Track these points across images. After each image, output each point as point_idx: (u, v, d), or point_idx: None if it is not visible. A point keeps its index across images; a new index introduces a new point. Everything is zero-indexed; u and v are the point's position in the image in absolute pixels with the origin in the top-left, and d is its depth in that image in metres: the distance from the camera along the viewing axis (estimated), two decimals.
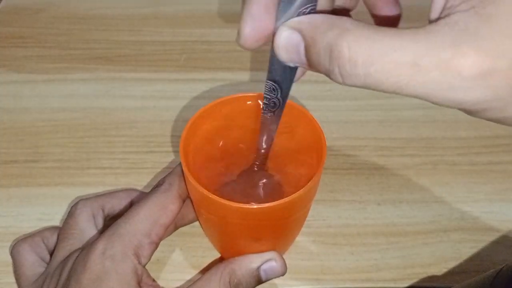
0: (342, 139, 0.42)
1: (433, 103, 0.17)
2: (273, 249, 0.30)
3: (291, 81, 0.22)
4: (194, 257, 0.35)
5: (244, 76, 0.48)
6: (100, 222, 0.32)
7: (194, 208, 0.31)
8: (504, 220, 0.37)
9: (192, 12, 0.55)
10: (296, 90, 0.46)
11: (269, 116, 0.24)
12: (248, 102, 0.31)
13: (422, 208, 0.37)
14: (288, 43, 0.19)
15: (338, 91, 0.46)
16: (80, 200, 0.32)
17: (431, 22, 0.18)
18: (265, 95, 0.23)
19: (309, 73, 0.50)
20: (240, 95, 0.31)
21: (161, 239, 0.29)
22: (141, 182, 0.39)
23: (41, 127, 0.43)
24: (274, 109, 0.24)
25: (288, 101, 0.30)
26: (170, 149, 0.41)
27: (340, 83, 0.18)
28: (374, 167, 0.40)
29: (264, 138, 0.27)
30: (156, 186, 0.30)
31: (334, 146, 0.41)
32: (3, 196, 0.38)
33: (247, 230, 0.28)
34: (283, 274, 0.30)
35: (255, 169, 0.30)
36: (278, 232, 0.30)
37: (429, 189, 0.38)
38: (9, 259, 0.34)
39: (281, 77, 0.21)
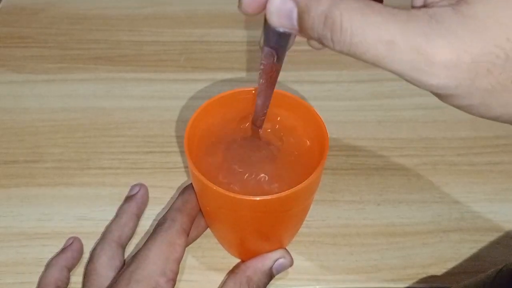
0: (342, 139, 0.42)
1: (406, 81, 0.19)
2: (279, 239, 0.31)
3: (286, 46, 0.23)
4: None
5: (244, 76, 0.48)
6: (118, 262, 0.32)
7: (199, 203, 0.31)
8: (504, 220, 0.37)
9: (192, 12, 0.55)
10: (296, 90, 0.46)
11: (266, 82, 0.26)
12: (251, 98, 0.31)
13: (422, 209, 0.37)
14: (281, 9, 0.20)
15: (338, 91, 0.46)
16: (97, 244, 0.33)
17: (413, 8, 0.20)
18: (261, 62, 0.25)
19: (309, 74, 0.50)
20: (243, 89, 0.31)
21: (177, 274, 0.29)
22: (141, 182, 0.39)
23: (41, 127, 0.43)
24: (271, 74, 0.25)
25: (288, 93, 0.31)
26: (170, 149, 0.41)
27: (331, 48, 0.20)
28: (373, 168, 0.40)
29: (262, 102, 0.28)
30: (158, 225, 0.30)
31: (334, 146, 0.41)
32: (3, 196, 0.38)
33: (254, 222, 0.29)
34: (291, 266, 0.32)
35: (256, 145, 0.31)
36: (284, 223, 0.30)
37: (429, 189, 0.38)
38: (9, 259, 0.34)
39: (276, 44, 0.23)
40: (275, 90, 0.28)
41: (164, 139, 0.42)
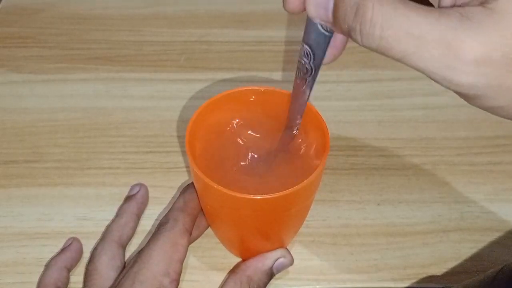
0: (342, 139, 0.42)
1: (433, 79, 0.19)
2: (280, 238, 0.31)
3: (324, 49, 0.23)
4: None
5: (244, 76, 0.48)
6: (119, 262, 0.32)
7: (200, 202, 0.32)
8: (504, 220, 0.37)
9: (192, 12, 0.55)
10: None
11: (301, 83, 0.25)
12: (252, 98, 0.31)
13: (422, 208, 0.37)
14: None
15: (338, 91, 0.46)
16: (97, 244, 0.33)
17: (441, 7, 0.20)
18: (299, 59, 0.24)
19: None
20: (243, 88, 0.31)
21: (180, 274, 0.29)
22: (141, 182, 0.39)
23: (41, 127, 0.43)
24: (306, 76, 0.25)
25: (290, 93, 0.30)
26: (170, 149, 0.41)
27: (358, 42, 0.20)
28: (373, 167, 0.40)
29: (296, 105, 0.27)
30: (160, 225, 0.30)
31: (334, 146, 0.41)
32: (3, 196, 0.38)
33: (255, 221, 0.29)
34: (291, 265, 0.32)
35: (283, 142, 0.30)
36: (285, 222, 0.30)
37: (429, 189, 0.38)
38: (9, 259, 0.34)
39: (314, 42, 0.23)
40: (276, 89, 0.28)
41: (164, 139, 0.42)
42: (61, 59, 0.50)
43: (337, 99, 0.45)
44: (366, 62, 0.48)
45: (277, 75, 0.47)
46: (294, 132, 0.29)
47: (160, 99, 0.46)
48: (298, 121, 0.28)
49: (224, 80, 0.47)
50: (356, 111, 0.44)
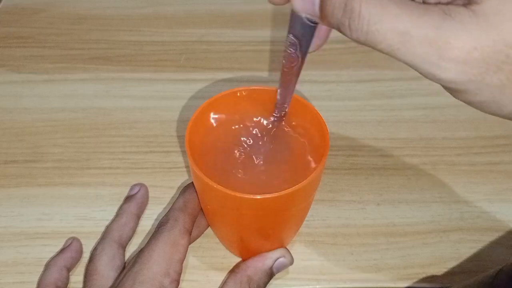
0: (342, 139, 0.42)
1: (419, 73, 0.20)
2: (280, 238, 0.31)
3: (310, 39, 0.24)
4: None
5: (244, 76, 0.48)
6: (119, 262, 0.32)
7: (200, 202, 0.32)
8: (504, 220, 0.37)
9: (192, 12, 0.55)
10: (296, 90, 0.46)
11: (288, 71, 0.26)
12: (252, 97, 0.31)
13: (422, 208, 0.37)
14: None
15: (337, 91, 0.46)
16: (97, 244, 0.33)
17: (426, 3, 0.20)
18: (285, 50, 0.25)
19: (309, 74, 0.50)
20: (243, 88, 0.31)
21: (180, 274, 0.29)
22: (141, 182, 0.39)
23: (41, 127, 0.43)
24: (293, 65, 0.25)
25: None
26: (170, 149, 0.41)
27: (347, 36, 0.20)
28: (373, 167, 0.40)
29: (283, 93, 0.28)
30: (160, 225, 0.30)
31: (334, 146, 0.41)
32: (3, 196, 0.38)
33: (255, 221, 0.29)
34: (291, 265, 0.32)
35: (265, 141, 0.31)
36: (285, 222, 0.30)
37: (429, 189, 0.39)
38: (9, 259, 0.34)
39: (300, 33, 0.23)
40: (277, 89, 0.28)
41: (164, 139, 0.42)
42: (61, 59, 0.50)
43: (337, 99, 0.45)
44: (366, 62, 0.48)
45: (277, 75, 0.46)
46: (281, 120, 0.30)
47: (160, 99, 0.46)
48: (286, 109, 0.29)
49: (224, 80, 0.47)
50: (356, 111, 0.44)
